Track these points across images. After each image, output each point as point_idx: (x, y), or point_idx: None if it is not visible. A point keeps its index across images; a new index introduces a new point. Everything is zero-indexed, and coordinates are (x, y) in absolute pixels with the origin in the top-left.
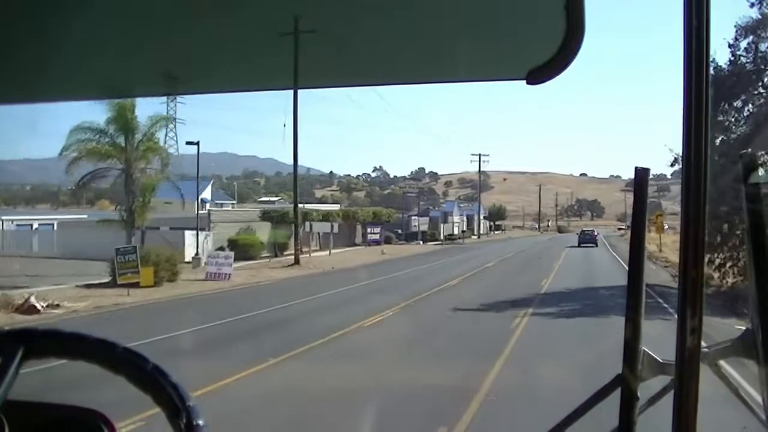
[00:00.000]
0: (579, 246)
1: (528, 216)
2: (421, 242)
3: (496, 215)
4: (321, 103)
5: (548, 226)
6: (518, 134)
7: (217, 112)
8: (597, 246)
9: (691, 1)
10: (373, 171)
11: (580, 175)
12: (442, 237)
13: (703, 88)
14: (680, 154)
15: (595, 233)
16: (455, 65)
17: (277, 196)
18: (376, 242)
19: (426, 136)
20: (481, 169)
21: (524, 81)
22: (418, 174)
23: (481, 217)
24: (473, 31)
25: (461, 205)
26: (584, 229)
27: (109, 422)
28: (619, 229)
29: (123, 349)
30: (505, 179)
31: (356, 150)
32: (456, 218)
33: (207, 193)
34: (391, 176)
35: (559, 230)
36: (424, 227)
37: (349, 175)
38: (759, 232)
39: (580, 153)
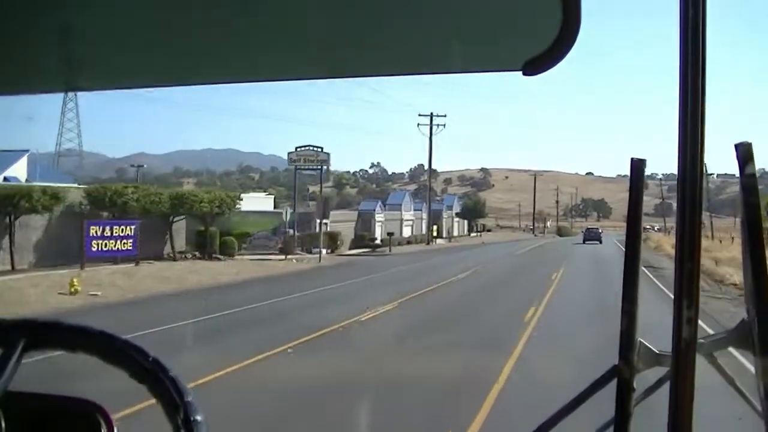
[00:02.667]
0: (584, 243)
1: (528, 216)
2: (325, 251)
3: (472, 211)
4: (321, 98)
5: (546, 227)
6: (521, 131)
7: (222, 112)
8: (602, 243)
9: None
10: (370, 167)
11: (586, 174)
12: (377, 241)
13: (699, 79)
14: None
15: (600, 231)
16: (450, 56)
17: (265, 191)
18: (122, 255)
19: (425, 132)
20: (483, 167)
21: (521, 72)
22: (417, 171)
23: (453, 214)
24: (469, 21)
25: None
26: (589, 227)
27: (105, 413)
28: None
29: (123, 342)
30: (506, 177)
31: (354, 146)
32: (408, 215)
33: (17, 170)
34: (389, 173)
35: (559, 232)
36: (347, 226)
37: (348, 171)
38: (754, 223)
39: (586, 151)
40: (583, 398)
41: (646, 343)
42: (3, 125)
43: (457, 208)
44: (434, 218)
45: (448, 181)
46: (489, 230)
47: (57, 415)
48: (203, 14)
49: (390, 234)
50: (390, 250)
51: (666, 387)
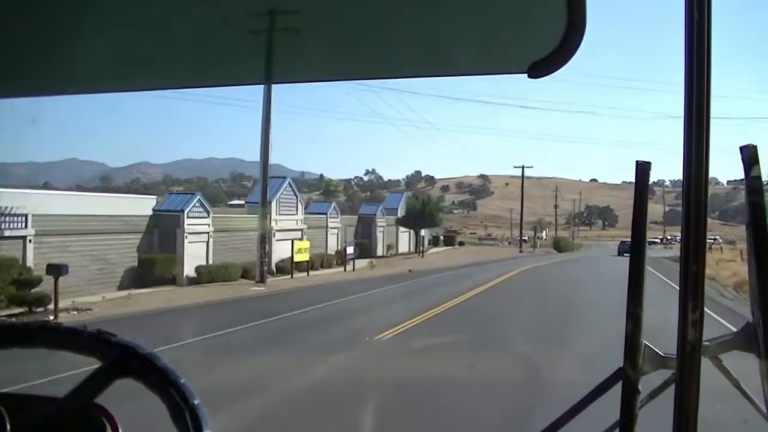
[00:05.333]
0: (620, 255)
1: (526, 224)
2: None
3: (419, 217)
4: (317, 104)
5: (541, 238)
6: (523, 136)
7: (224, 120)
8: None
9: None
10: (365, 174)
11: (590, 180)
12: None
13: (704, 82)
14: None
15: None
16: (457, 59)
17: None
18: None
19: (423, 138)
20: (482, 173)
21: (526, 75)
22: (414, 178)
23: (379, 222)
24: (475, 25)
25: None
26: (623, 240)
27: (110, 415)
28: (650, 242)
29: (117, 342)
30: (507, 184)
31: (350, 153)
32: (288, 221)
33: None
34: (385, 180)
35: (557, 245)
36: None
37: (345, 179)
38: (760, 226)
39: (590, 157)
40: (589, 401)
41: (651, 346)
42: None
43: (399, 211)
44: (364, 227)
45: (445, 189)
46: (461, 243)
47: (61, 416)
48: (205, 18)
49: (52, 267)
50: (55, 316)
51: (671, 389)
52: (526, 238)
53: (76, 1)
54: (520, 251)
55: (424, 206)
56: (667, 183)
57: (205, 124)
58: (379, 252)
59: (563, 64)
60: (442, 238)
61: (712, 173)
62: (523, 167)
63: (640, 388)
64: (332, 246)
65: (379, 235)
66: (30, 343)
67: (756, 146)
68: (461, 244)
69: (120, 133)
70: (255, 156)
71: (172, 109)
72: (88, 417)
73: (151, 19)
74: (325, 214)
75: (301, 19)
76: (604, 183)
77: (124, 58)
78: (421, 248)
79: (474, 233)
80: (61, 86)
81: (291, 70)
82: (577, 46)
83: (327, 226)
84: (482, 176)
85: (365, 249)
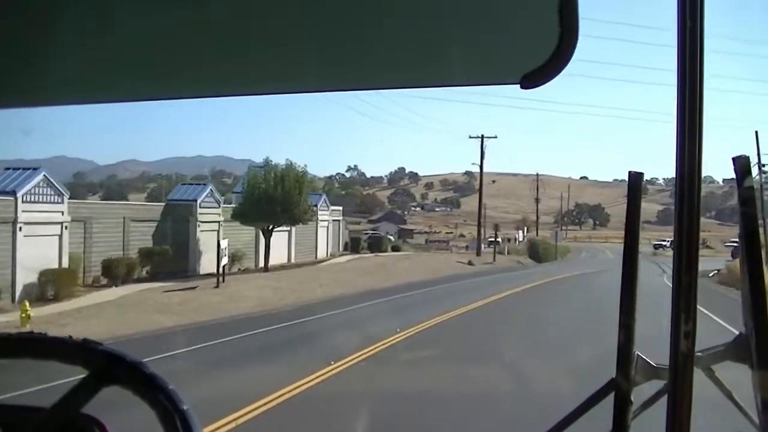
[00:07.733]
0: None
1: (511, 223)
2: None
3: (266, 207)
4: (299, 101)
5: (509, 242)
6: (510, 133)
7: (215, 118)
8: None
9: (685, 2)
10: (347, 170)
11: (580, 178)
12: None
13: (696, 90)
14: None
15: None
16: (449, 69)
17: (223, 195)
18: None
19: (407, 134)
20: (468, 170)
21: (518, 85)
22: (398, 174)
23: (204, 214)
24: (467, 34)
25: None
26: (733, 240)
27: (103, 427)
28: (657, 245)
29: (77, 342)
30: (494, 181)
31: (333, 148)
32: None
33: None
34: (368, 176)
35: (533, 251)
36: None
37: (326, 175)
38: (752, 236)
39: (581, 154)
40: (581, 412)
41: (644, 357)
42: None
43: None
44: (175, 222)
45: (429, 186)
46: (396, 248)
47: (49, 427)
48: (200, 25)
49: None
50: None
51: (663, 400)
52: (500, 239)
53: (65, 6)
54: (469, 263)
55: (276, 188)
56: (661, 181)
57: (194, 122)
58: (206, 268)
59: (557, 74)
60: (365, 241)
61: (706, 171)
62: (482, 136)
63: (632, 399)
64: (41, 262)
65: (204, 238)
66: (15, 354)
67: (748, 157)
68: (395, 249)
69: (106, 131)
70: (243, 154)
71: (160, 108)
72: (79, 427)
73: (134, 28)
74: (14, 196)
75: (282, 27)
76: (595, 180)
77: (119, 67)
78: (222, 270)
79: (451, 233)
80: (50, 96)
81: (271, 80)
82: (570, 56)
83: (16, 220)
84: (468, 173)
85: (172, 262)
